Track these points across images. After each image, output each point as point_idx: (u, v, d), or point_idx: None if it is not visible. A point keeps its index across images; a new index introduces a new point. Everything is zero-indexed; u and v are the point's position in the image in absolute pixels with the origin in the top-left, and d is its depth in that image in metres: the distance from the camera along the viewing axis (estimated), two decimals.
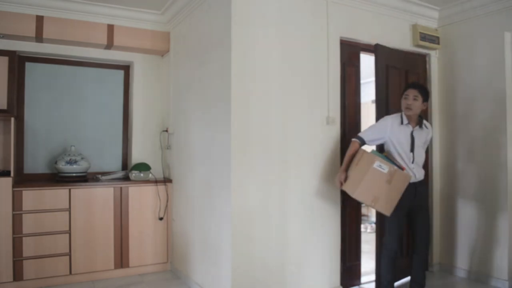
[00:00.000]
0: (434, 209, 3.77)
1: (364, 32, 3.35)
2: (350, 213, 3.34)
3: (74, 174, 3.52)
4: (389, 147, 2.88)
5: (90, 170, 3.75)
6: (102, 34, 3.62)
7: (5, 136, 3.49)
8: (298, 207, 2.97)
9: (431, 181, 3.78)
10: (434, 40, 3.74)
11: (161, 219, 3.75)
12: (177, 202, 3.71)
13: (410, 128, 2.84)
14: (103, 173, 3.81)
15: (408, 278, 3.25)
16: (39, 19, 3.37)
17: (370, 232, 5.23)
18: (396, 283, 3.28)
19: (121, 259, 3.57)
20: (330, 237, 3.12)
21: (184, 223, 3.54)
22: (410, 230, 2.98)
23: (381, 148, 3.03)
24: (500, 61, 3.34)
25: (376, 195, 2.67)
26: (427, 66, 3.84)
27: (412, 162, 2.83)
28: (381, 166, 2.66)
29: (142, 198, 3.68)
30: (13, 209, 3.17)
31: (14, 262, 3.16)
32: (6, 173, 3.23)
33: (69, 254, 3.37)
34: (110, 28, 3.66)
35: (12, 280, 3.15)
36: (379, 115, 3.22)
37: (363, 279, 3.43)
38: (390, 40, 3.51)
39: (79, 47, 3.72)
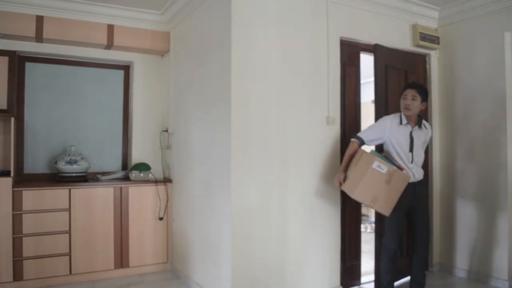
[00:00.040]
0: (434, 209, 3.77)
1: (364, 32, 3.35)
2: (350, 213, 3.34)
3: (74, 174, 3.52)
4: (388, 147, 2.88)
5: (90, 170, 3.75)
6: (102, 34, 3.62)
7: (5, 136, 3.49)
8: (298, 207, 2.97)
9: (431, 181, 3.78)
10: (434, 40, 3.74)
11: (161, 219, 3.75)
12: (177, 202, 3.71)
13: (409, 128, 2.84)
14: (103, 173, 3.81)
15: (408, 278, 3.24)
16: (39, 19, 3.37)
17: (370, 232, 5.23)
18: (396, 283, 3.27)
19: (121, 259, 3.57)
20: (330, 237, 3.12)
21: (184, 223, 3.54)
22: (409, 230, 2.98)
23: (380, 148, 3.03)
24: (500, 61, 3.34)
25: (375, 195, 2.67)
26: (427, 66, 3.84)
27: (411, 162, 2.83)
28: (380, 166, 2.66)
29: (142, 198, 3.68)
30: (13, 209, 3.18)
31: (14, 262, 3.16)
32: (6, 173, 3.23)
33: (69, 254, 3.37)
34: (110, 28, 3.66)
35: (12, 280, 3.16)
36: (378, 115, 3.22)
37: (363, 279, 3.43)
38: (390, 40, 3.51)
39: (79, 47, 3.72)
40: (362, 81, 3.49)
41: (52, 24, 3.41)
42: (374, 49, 3.35)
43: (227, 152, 2.73)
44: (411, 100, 2.80)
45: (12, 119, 3.27)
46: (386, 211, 2.69)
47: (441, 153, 3.82)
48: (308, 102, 3.04)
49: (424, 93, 2.84)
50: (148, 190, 3.71)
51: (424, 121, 2.95)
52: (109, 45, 3.70)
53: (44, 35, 3.39)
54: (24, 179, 3.61)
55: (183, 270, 3.50)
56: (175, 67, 3.85)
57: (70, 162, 3.51)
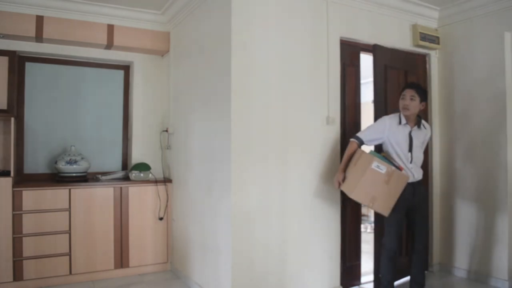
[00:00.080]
0: (434, 209, 3.77)
1: (364, 32, 3.35)
2: (350, 213, 3.34)
3: (74, 174, 3.52)
4: (387, 147, 2.88)
5: (90, 170, 3.74)
6: (102, 34, 3.62)
7: (5, 136, 3.49)
8: (298, 207, 2.97)
9: (431, 181, 3.78)
10: (434, 40, 3.74)
11: (161, 219, 3.75)
12: (177, 202, 3.71)
13: (408, 128, 2.84)
14: (103, 173, 3.81)
15: (408, 278, 3.24)
16: (39, 19, 3.37)
17: (370, 232, 5.23)
18: (396, 283, 3.27)
19: (121, 259, 3.57)
20: (330, 237, 3.12)
21: (184, 223, 3.54)
22: (409, 230, 2.98)
23: (379, 148, 3.03)
24: (500, 61, 3.34)
25: (374, 195, 2.67)
26: (427, 66, 3.84)
27: (410, 162, 2.83)
28: (379, 167, 2.66)
29: (142, 198, 3.68)
30: (13, 209, 3.18)
31: (14, 262, 3.16)
32: (6, 173, 3.23)
33: (69, 254, 3.37)
34: (110, 28, 3.65)
35: (12, 280, 3.16)
36: (378, 116, 3.23)
37: (363, 279, 3.43)
38: (390, 40, 3.51)
39: (79, 47, 3.72)
40: (362, 81, 3.49)
41: (52, 24, 3.41)
42: (373, 49, 3.35)
43: (227, 152, 2.73)
44: (409, 100, 2.80)
45: (12, 119, 3.27)
46: (385, 211, 2.69)
47: (441, 153, 3.82)
48: (308, 102, 3.04)
49: (423, 93, 2.84)
50: (148, 190, 3.71)
51: (423, 121, 2.95)
52: (109, 45, 3.70)
53: (44, 35, 3.39)
54: (24, 179, 3.61)
55: (183, 270, 3.50)
56: (175, 67, 3.85)
57: (70, 162, 3.51)
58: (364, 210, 5.34)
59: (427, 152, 3.69)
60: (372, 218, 5.50)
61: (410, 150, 2.83)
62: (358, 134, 2.92)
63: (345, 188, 2.83)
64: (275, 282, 2.85)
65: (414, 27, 3.65)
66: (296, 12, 3.00)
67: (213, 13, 3.02)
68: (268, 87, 2.86)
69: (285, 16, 2.95)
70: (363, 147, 2.93)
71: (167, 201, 3.80)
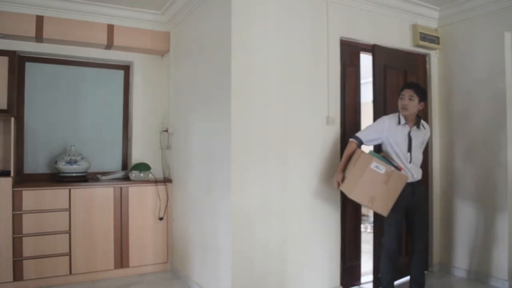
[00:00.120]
0: (434, 209, 3.77)
1: (364, 32, 3.35)
2: (350, 213, 3.34)
3: (74, 174, 3.52)
4: (387, 147, 2.88)
5: (90, 170, 3.75)
6: (102, 34, 3.62)
7: (5, 136, 3.49)
8: (298, 207, 2.97)
9: (431, 181, 3.78)
10: (434, 40, 3.74)
11: (161, 219, 3.75)
12: (177, 202, 3.71)
13: (407, 128, 2.85)
14: (103, 173, 3.81)
15: (408, 278, 3.24)
16: (39, 19, 3.37)
17: (370, 232, 5.23)
18: (396, 282, 3.27)
19: (121, 259, 3.57)
20: (330, 237, 3.12)
21: (184, 223, 3.54)
22: (408, 230, 2.98)
23: (378, 148, 3.03)
24: (500, 61, 3.34)
25: (373, 195, 2.68)
26: (427, 66, 3.84)
27: (410, 162, 2.84)
28: (378, 167, 2.66)
29: (142, 198, 3.68)
30: (13, 209, 3.18)
31: (14, 262, 3.17)
32: (6, 173, 3.23)
33: (69, 254, 3.37)
34: (110, 28, 3.66)
35: (12, 280, 3.16)
36: (377, 116, 3.23)
37: (363, 279, 3.43)
38: (390, 40, 3.51)
39: (79, 47, 3.72)
40: (362, 81, 3.49)
41: (52, 24, 3.41)
42: (372, 49, 3.36)
43: (227, 152, 2.73)
44: (408, 100, 2.80)
45: (12, 119, 3.27)
46: (384, 212, 2.69)
47: (441, 153, 3.82)
48: (308, 102, 3.04)
49: (421, 93, 2.84)
50: (148, 190, 3.71)
51: (422, 121, 2.95)
52: (109, 45, 3.70)
53: (44, 35, 3.39)
54: (24, 179, 3.61)
55: (183, 270, 3.50)
56: (175, 67, 3.85)
57: (70, 162, 3.51)
58: (364, 210, 5.34)
59: (427, 152, 3.69)
60: (372, 218, 5.51)
61: (409, 150, 2.83)
62: (357, 134, 2.92)
63: (344, 188, 2.83)
64: (275, 282, 2.85)
65: (414, 27, 3.65)
66: (296, 12, 3.00)
67: (213, 13, 3.02)
68: (268, 87, 2.86)
69: (285, 16, 2.95)
70: (363, 147, 2.93)
71: (167, 201, 3.80)
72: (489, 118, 3.41)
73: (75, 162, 3.53)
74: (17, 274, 3.18)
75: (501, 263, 3.29)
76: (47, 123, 3.79)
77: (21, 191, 3.21)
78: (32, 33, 3.35)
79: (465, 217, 3.58)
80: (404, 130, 2.84)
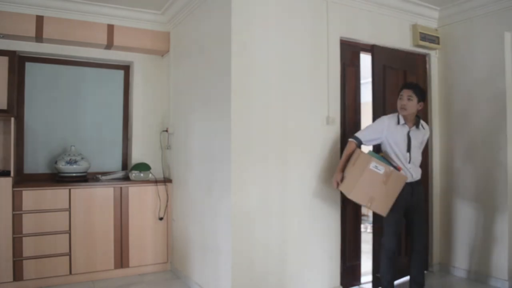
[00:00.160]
0: (434, 209, 3.77)
1: (364, 32, 3.35)
2: (350, 213, 3.34)
3: (74, 174, 3.52)
4: (386, 147, 2.88)
5: (90, 170, 3.75)
6: (102, 34, 3.62)
7: (5, 136, 3.49)
8: (298, 207, 2.97)
9: (431, 181, 3.78)
10: (434, 40, 3.74)
11: (161, 219, 3.75)
12: (177, 202, 3.71)
13: (406, 128, 2.85)
14: (103, 173, 3.81)
15: (408, 277, 3.24)
16: (39, 19, 3.37)
17: (370, 232, 5.23)
18: (396, 282, 3.27)
19: (121, 259, 3.57)
20: (330, 237, 3.12)
21: (184, 223, 3.54)
22: (408, 229, 2.98)
23: (378, 148, 3.03)
24: (500, 61, 3.34)
25: (372, 195, 2.68)
26: (427, 66, 3.84)
27: (409, 162, 2.84)
28: (377, 167, 2.66)
29: (142, 198, 3.68)
30: (13, 209, 3.18)
31: (14, 262, 3.16)
32: (6, 173, 3.23)
33: (69, 254, 3.37)
34: (110, 28, 3.66)
35: (12, 280, 3.16)
36: (376, 116, 3.23)
37: (363, 279, 3.43)
38: (390, 40, 3.51)
39: (79, 47, 3.72)
40: (362, 81, 3.49)
41: (52, 24, 3.41)
42: (372, 49, 3.36)
43: (227, 152, 2.73)
44: (407, 101, 2.81)
45: (12, 119, 3.27)
46: (383, 212, 2.70)
47: (440, 153, 3.82)
48: (308, 102, 3.04)
49: (420, 93, 2.84)
50: (148, 190, 3.72)
51: (422, 121, 2.95)
52: (109, 45, 3.70)
53: (44, 35, 3.39)
54: (24, 179, 3.61)
55: (183, 270, 3.50)
56: (175, 67, 3.85)
57: (70, 162, 3.51)
58: (364, 210, 5.34)
59: (427, 152, 3.69)
60: (372, 218, 5.51)
61: (409, 150, 2.84)
62: (357, 134, 2.92)
63: (343, 188, 2.83)
64: (275, 282, 2.85)
65: (414, 27, 3.65)
66: (296, 12, 3.00)
67: (213, 13, 3.02)
68: (268, 87, 2.86)
69: (285, 16, 2.95)
70: (362, 147, 2.93)
71: (167, 201, 3.80)
72: (489, 118, 3.41)
73: (75, 162, 3.53)
74: (17, 274, 3.18)
75: (501, 263, 3.29)
76: (47, 123, 3.79)
77: (21, 191, 3.21)
78: (32, 33, 3.35)
79: (465, 217, 3.58)
80: (403, 130, 2.84)
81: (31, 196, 3.24)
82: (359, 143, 2.89)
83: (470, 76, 3.58)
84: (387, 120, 2.87)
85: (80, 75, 3.93)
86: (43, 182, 3.44)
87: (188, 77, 3.53)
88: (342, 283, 3.19)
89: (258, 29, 2.83)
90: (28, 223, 3.23)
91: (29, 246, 3.22)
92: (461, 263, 3.61)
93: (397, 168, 2.76)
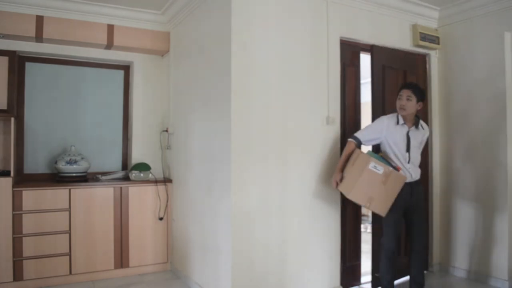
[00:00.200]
0: (434, 209, 3.77)
1: (364, 32, 3.35)
2: (350, 213, 3.34)
3: (74, 174, 3.52)
4: (385, 147, 2.88)
5: (90, 170, 3.75)
6: (102, 34, 3.62)
7: (5, 136, 3.49)
8: (298, 207, 2.97)
9: (431, 180, 3.78)
10: (434, 40, 3.74)
11: (161, 219, 3.75)
12: (177, 202, 3.71)
13: (406, 128, 2.85)
14: (103, 173, 3.81)
15: (408, 277, 3.24)
16: (39, 19, 3.37)
17: (370, 232, 5.22)
18: (396, 282, 3.27)
19: (121, 259, 3.57)
20: (330, 237, 3.12)
21: (184, 223, 3.54)
22: (407, 229, 2.98)
23: (377, 148, 3.03)
24: (500, 61, 3.34)
25: (371, 196, 2.68)
26: (427, 66, 3.84)
27: (408, 162, 2.84)
28: (376, 167, 2.67)
29: (142, 198, 3.68)
30: (13, 209, 3.18)
31: (14, 262, 3.17)
32: (6, 173, 3.23)
33: (69, 254, 3.37)
34: (110, 28, 3.66)
35: (12, 280, 3.16)
36: (375, 116, 3.23)
37: (363, 279, 3.43)
38: (390, 40, 3.51)
39: (79, 47, 3.72)
40: (362, 81, 3.49)
41: (52, 24, 3.41)
42: (371, 50, 3.36)
43: (227, 152, 2.73)
44: (406, 101, 2.81)
45: (12, 119, 3.27)
46: (382, 212, 2.70)
47: (440, 153, 3.82)
48: (308, 102, 3.04)
49: (419, 93, 2.84)
50: (148, 190, 3.72)
51: (421, 122, 2.95)
52: (109, 45, 3.70)
53: (44, 35, 3.39)
54: (24, 179, 3.61)
55: (183, 270, 3.50)
56: (175, 67, 3.85)
57: (70, 162, 3.51)
58: (364, 210, 5.34)
59: (427, 151, 3.69)
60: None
61: (408, 150, 2.83)
62: (356, 134, 2.92)
63: (342, 188, 2.83)
64: (275, 282, 2.85)
65: (414, 27, 3.65)
66: (296, 12, 3.00)
67: (213, 13, 3.02)
68: (268, 87, 2.86)
69: (285, 16, 2.95)
70: (362, 147, 2.93)
71: (167, 201, 3.80)
72: (489, 118, 3.41)
73: (75, 162, 3.53)
74: (17, 274, 3.18)
75: (501, 263, 3.29)
76: (47, 123, 3.79)
77: (21, 191, 3.21)
78: (32, 33, 3.35)
79: (465, 217, 3.58)
80: (402, 130, 2.85)
81: (31, 196, 3.24)
82: (359, 143, 2.89)
83: (470, 76, 3.58)
84: (387, 120, 2.87)
85: (80, 75, 3.93)
86: (43, 182, 3.44)
87: (188, 77, 3.53)
88: (342, 283, 3.19)
89: (258, 29, 2.83)
90: (28, 223, 3.23)
91: (29, 246, 3.22)
92: (461, 263, 3.61)
93: (396, 168, 2.76)
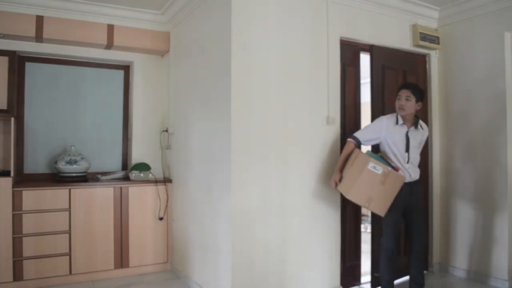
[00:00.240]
0: (434, 209, 3.77)
1: (364, 32, 3.35)
2: (350, 213, 3.34)
3: (74, 174, 3.52)
4: (384, 147, 2.88)
5: (90, 170, 3.75)
6: (102, 34, 3.62)
7: (5, 136, 3.49)
8: (298, 207, 2.97)
9: (431, 180, 3.78)
10: (434, 40, 3.74)
11: (161, 219, 3.75)
12: (177, 202, 3.71)
13: (405, 128, 2.85)
14: (103, 173, 3.81)
15: (407, 277, 3.25)
16: (39, 19, 3.37)
17: (370, 232, 5.23)
18: (396, 282, 3.27)
19: (121, 259, 3.57)
20: (330, 237, 3.12)
21: (184, 223, 3.54)
22: (406, 229, 2.98)
23: (376, 148, 3.03)
24: (500, 61, 3.34)
25: (370, 196, 2.68)
26: (427, 66, 3.84)
27: (407, 162, 2.84)
28: (375, 167, 2.67)
29: (142, 198, 3.68)
30: (13, 209, 3.18)
31: (14, 262, 3.17)
32: (6, 173, 3.23)
33: (69, 254, 3.37)
34: (110, 28, 3.66)
35: (12, 280, 3.16)
36: (375, 116, 3.23)
37: (363, 279, 3.43)
38: (390, 40, 3.51)
39: (79, 47, 3.72)
40: (362, 81, 3.49)
41: (52, 24, 3.41)
42: (370, 50, 3.36)
43: (227, 152, 2.73)
44: (405, 101, 2.81)
45: (12, 119, 3.27)
46: (381, 212, 2.70)
47: (440, 153, 3.82)
48: (308, 102, 3.04)
49: (419, 93, 2.84)
50: (148, 190, 3.72)
51: (420, 122, 2.95)
52: (109, 45, 3.70)
53: (44, 35, 3.39)
54: (24, 179, 3.61)
55: (183, 270, 3.51)
56: (175, 67, 3.85)
57: (70, 162, 3.51)
58: (364, 210, 5.34)
59: (426, 152, 3.69)
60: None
61: (407, 150, 2.84)
62: (355, 134, 2.92)
63: (341, 188, 2.84)
64: (275, 282, 2.85)
65: (414, 27, 3.65)
66: (296, 12, 3.00)
67: (213, 13, 3.02)
68: (268, 87, 2.86)
69: (285, 16, 2.95)
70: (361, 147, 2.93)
71: (167, 201, 3.80)
72: (489, 118, 3.41)
73: (75, 162, 3.53)
74: (17, 274, 3.18)
75: (500, 263, 3.29)
76: (47, 123, 3.79)
77: (21, 191, 3.21)
78: (32, 33, 3.35)
79: (465, 217, 3.58)
80: (402, 130, 2.85)
81: (31, 196, 3.24)
82: (358, 143, 2.89)
83: (470, 76, 3.58)
84: (386, 120, 2.88)
85: (80, 75, 3.93)
86: (43, 182, 3.44)
87: (188, 77, 3.53)
88: (342, 283, 3.19)
89: (258, 29, 2.83)
90: (28, 223, 3.23)
91: (29, 246, 3.22)
92: (461, 263, 3.61)
93: (395, 168, 2.76)
